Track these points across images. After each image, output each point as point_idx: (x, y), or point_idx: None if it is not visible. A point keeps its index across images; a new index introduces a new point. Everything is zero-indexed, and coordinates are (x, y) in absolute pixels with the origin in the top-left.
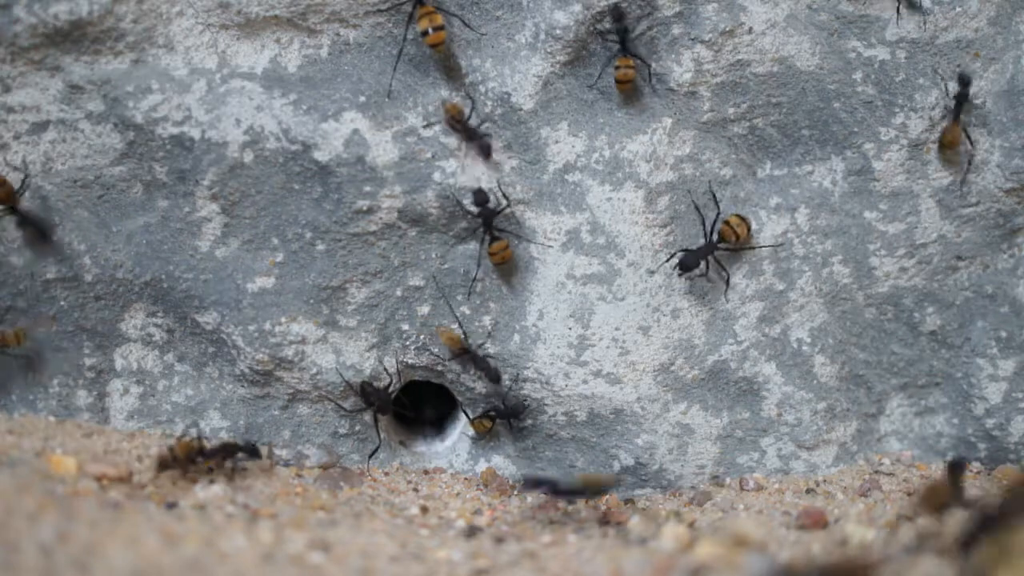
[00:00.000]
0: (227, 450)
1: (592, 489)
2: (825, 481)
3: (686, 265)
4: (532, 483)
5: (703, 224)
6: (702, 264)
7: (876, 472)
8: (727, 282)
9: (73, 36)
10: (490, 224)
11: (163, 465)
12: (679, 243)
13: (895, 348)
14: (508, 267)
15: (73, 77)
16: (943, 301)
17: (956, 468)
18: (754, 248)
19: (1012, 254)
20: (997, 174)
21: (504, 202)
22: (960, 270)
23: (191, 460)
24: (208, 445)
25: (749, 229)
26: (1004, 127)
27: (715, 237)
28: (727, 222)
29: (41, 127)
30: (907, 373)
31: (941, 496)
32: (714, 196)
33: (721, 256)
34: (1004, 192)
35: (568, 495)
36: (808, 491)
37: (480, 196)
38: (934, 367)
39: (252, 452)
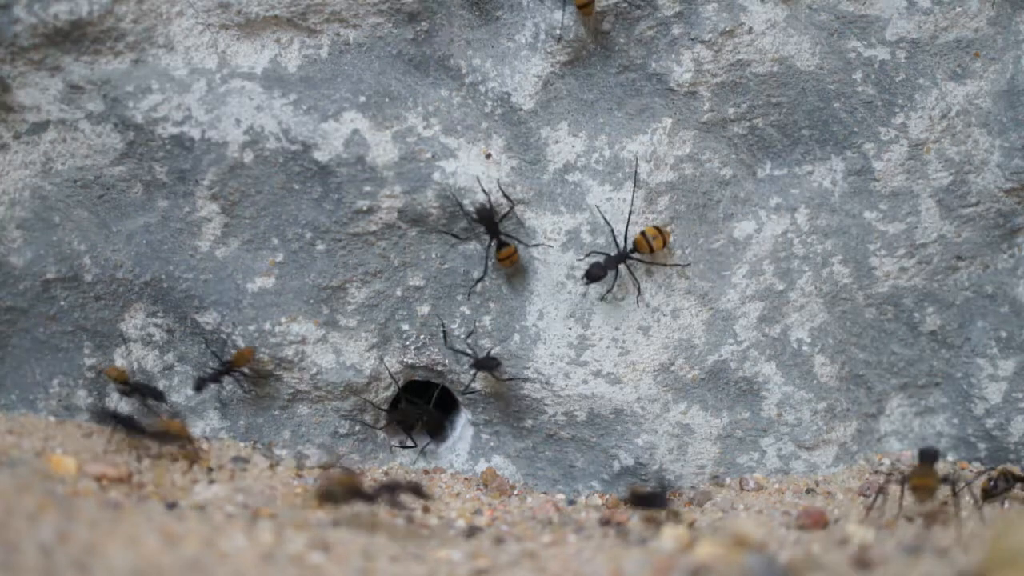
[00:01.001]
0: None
1: (170, 435)
2: (825, 481)
3: (593, 275)
4: (107, 416)
5: (613, 235)
6: (611, 275)
7: (876, 472)
8: (638, 291)
9: (73, 36)
10: (496, 230)
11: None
12: (679, 243)
13: (895, 348)
14: (515, 269)
15: (73, 77)
16: (943, 301)
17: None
18: (666, 265)
19: (1012, 254)
20: (997, 174)
21: (507, 206)
22: (960, 270)
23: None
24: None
25: (666, 242)
26: (1004, 127)
27: (630, 246)
28: (642, 232)
29: (41, 127)
30: (907, 373)
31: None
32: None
33: (634, 267)
34: (1004, 192)
35: (141, 433)
36: (808, 491)
37: (484, 212)
38: (934, 367)
39: (417, 491)
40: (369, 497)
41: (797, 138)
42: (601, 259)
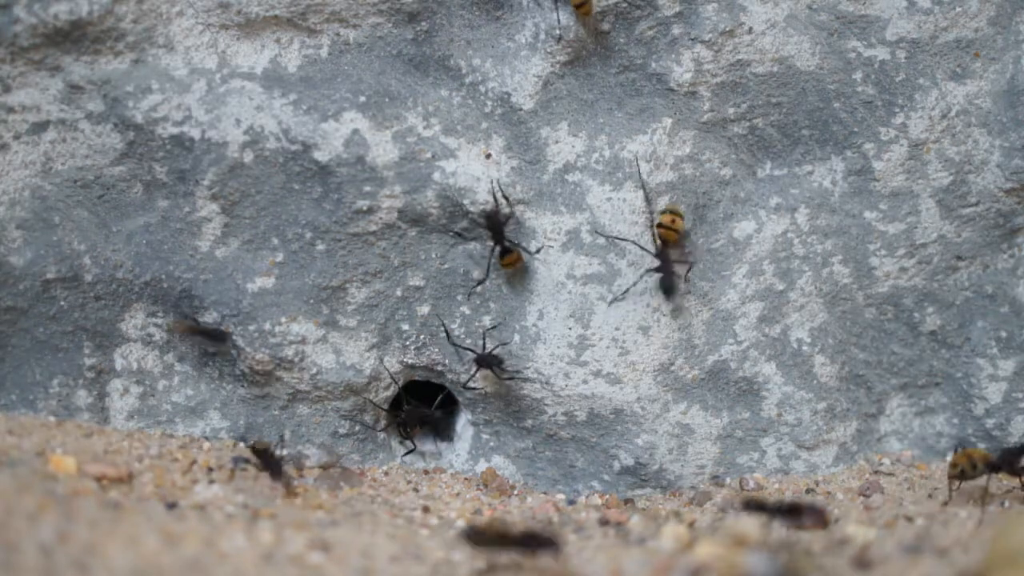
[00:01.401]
0: None
1: None
2: (825, 481)
3: (672, 287)
4: None
5: (641, 247)
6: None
7: (876, 472)
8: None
9: (73, 36)
10: (502, 236)
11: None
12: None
13: (895, 348)
14: (518, 271)
15: (73, 77)
16: (943, 301)
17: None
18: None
19: (1012, 254)
20: (997, 174)
21: (508, 209)
22: (960, 270)
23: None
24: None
25: (682, 217)
26: (1004, 127)
27: (660, 244)
28: (660, 224)
29: (41, 127)
30: (907, 373)
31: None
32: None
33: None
34: (1004, 192)
35: None
36: (808, 491)
37: (492, 219)
38: (934, 367)
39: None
40: (515, 544)
41: (797, 138)
42: (656, 272)
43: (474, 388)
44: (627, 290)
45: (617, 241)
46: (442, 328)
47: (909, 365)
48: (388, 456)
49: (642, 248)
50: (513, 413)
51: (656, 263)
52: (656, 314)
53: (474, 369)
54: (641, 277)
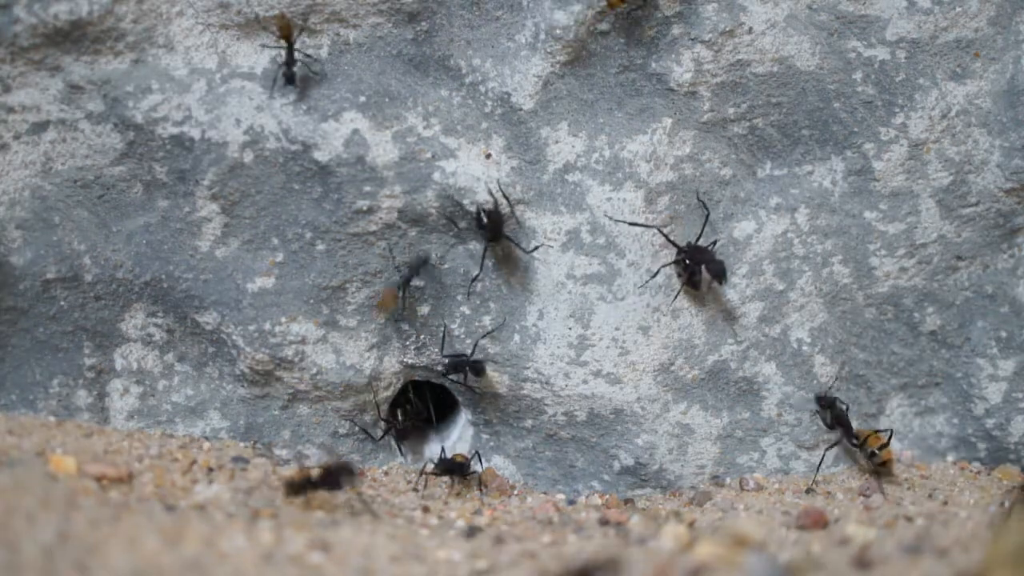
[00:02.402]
0: None
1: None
2: (825, 481)
3: (724, 272)
4: None
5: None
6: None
7: (876, 472)
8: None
9: (73, 36)
10: (500, 235)
11: None
12: (680, 243)
13: (895, 348)
14: (513, 266)
15: (73, 77)
16: (943, 301)
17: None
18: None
19: (1012, 254)
20: (997, 174)
21: (507, 207)
22: (960, 270)
23: None
24: None
25: None
26: (1004, 127)
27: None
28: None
29: (41, 127)
30: (907, 373)
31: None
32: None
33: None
34: (1004, 192)
35: None
36: (808, 491)
37: (493, 216)
38: (934, 367)
39: None
40: None
41: (797, 138)
42: (699, 264)
43: (457, 382)
44: (656, 273)
45: (617, 239)
46: (442, 332)
47: (909, 365)
48: (388, 456)
49: (666, 237)
50: (513, 413)
51: (685, 256)
52: (656, 314)
53: (449, 373)
54: (663, 268)
